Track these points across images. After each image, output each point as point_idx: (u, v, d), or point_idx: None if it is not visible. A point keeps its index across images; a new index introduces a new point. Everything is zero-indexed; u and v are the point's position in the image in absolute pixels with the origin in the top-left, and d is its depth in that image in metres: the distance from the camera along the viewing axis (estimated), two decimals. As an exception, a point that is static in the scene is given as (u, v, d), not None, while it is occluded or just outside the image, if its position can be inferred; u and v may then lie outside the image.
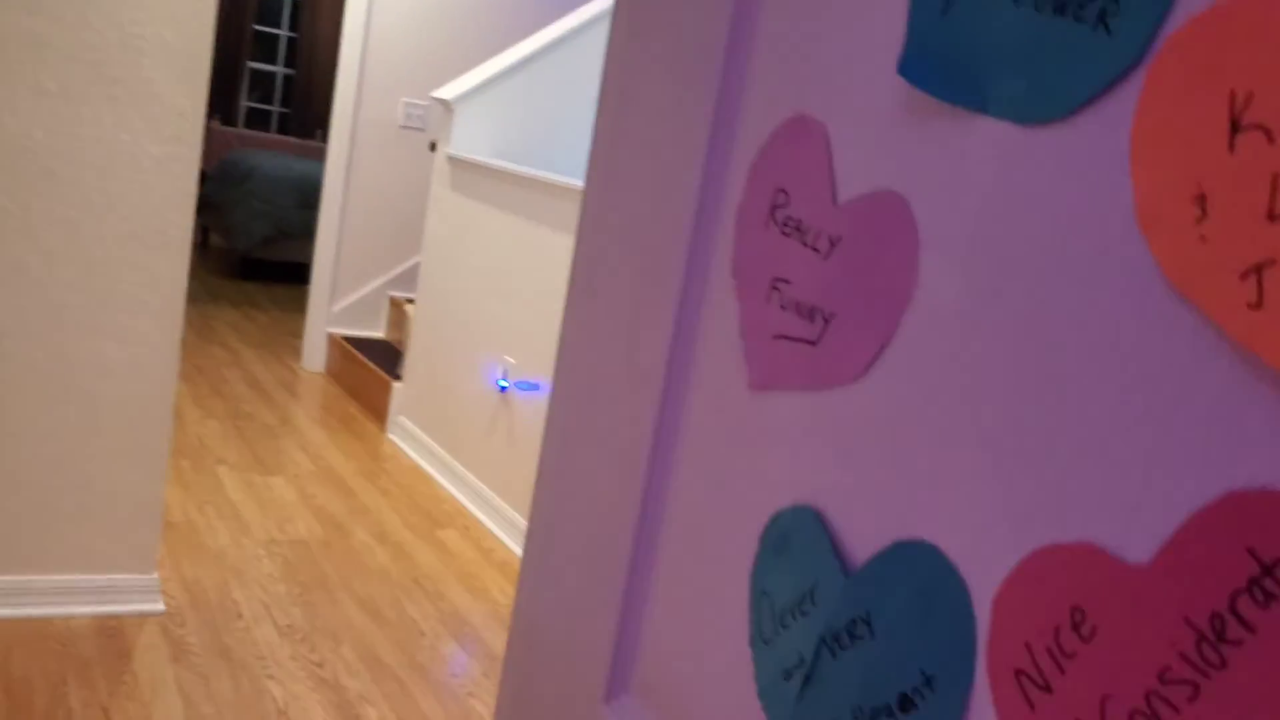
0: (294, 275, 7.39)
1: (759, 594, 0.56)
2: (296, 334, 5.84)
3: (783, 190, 0.57)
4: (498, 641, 2.84)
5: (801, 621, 0.52)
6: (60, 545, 2.55)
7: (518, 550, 3.46)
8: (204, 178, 7.08)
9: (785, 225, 0.57)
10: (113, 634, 2.53)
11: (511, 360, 3.63)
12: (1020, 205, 0.45)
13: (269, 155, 7.47)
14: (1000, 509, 0.44)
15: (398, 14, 5.10)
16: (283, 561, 3.09)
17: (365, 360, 4.80)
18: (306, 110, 11.57)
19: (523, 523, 3.48)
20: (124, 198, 2.46)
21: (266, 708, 2.36)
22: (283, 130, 11.41)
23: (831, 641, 0.50)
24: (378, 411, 4.60)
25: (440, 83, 5.24)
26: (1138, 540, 0.39)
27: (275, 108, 11.55)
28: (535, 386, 3.51)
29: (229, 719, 2.29)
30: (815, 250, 0.54)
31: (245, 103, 11.12)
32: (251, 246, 6.94)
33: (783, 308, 0.56)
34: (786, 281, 0.56)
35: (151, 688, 2.35)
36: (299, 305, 6.64)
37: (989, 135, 0.46)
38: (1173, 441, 0.38)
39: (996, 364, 0.45)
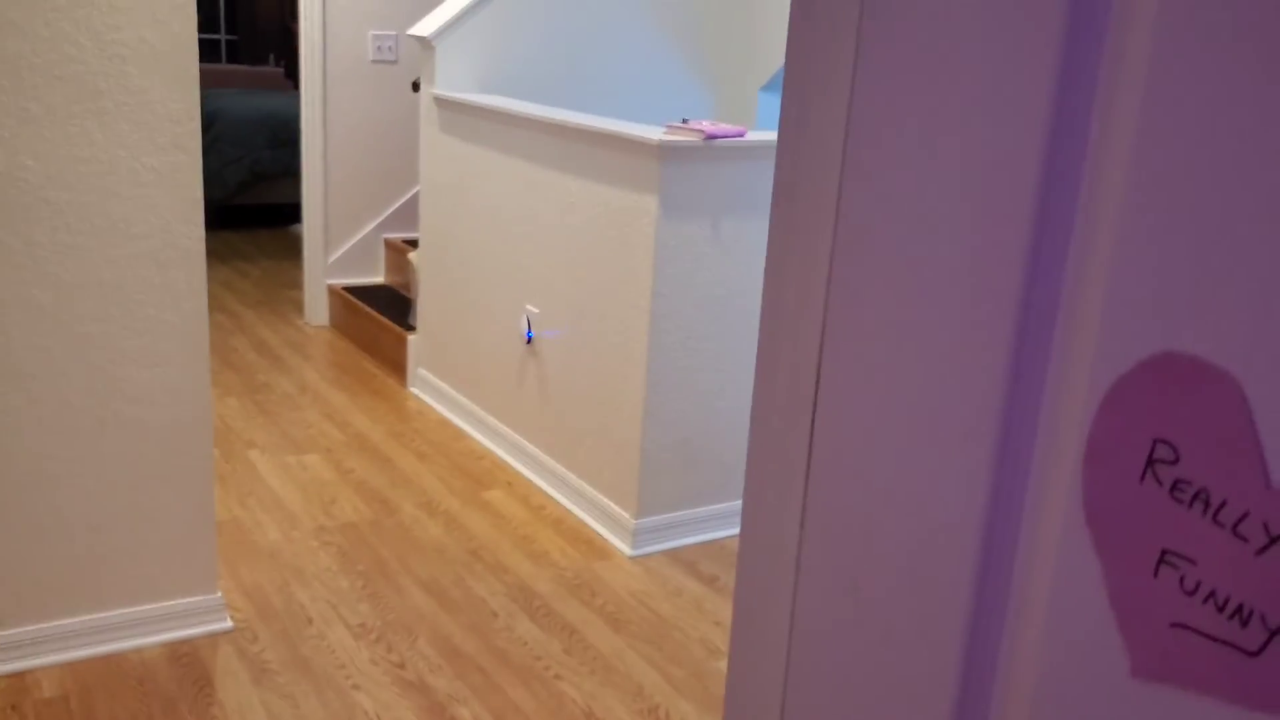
0: (275, 218, 7.19)
1: None
2: (291, 285, 5.69)
3: (1166, 443, 0.47)
4: (569, 611, 2.79)
5: None
6: (120, 578, 2.47)
7: (568, 505, 3.39)
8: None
9: (1179, 490, 0.47)
10: (188, 661, 2.46)
11: (534, 310, 3.51)
12: None
13: (231, 95, 7.18)
14: None
15: (354, -57, 4.84)
16: (337, 551, 3.02)
17: (373, 312, 4.67)
18: (254, 34, 11.16)
19: (567, 474, 3.40)
20: (129, 216, 2.31)
21: (360, 723, 2.31)
22: (232, 59, 11.03)
23: None
24: (394, 365, 4.50)
25: (405, 10, 4.99)
26: None
27: (222, 35, 11.16)
28: (558, 332, 3.40)
29: (325, 741, 2.25)
30: (1242, 539, 0.44)
31: (193, 38, 10.67)
32: (228, 195, 6.72)
33: (1188, 593, 0.47)
34: (1190, 562, 0.46)
35: (241, 716, 2.29)
36: (287, 251, 6.47)
37: None
38: None
39: None
